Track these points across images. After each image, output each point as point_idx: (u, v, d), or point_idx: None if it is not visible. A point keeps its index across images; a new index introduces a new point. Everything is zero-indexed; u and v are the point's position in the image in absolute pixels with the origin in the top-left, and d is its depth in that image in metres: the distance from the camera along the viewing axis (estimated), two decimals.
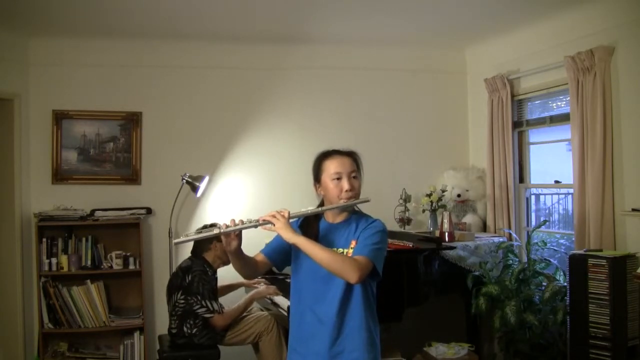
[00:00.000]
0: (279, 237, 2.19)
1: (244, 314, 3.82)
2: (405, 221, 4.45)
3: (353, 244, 2.16)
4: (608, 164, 3.50)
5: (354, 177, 2.21)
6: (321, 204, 2.29)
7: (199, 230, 2.20)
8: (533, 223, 4.40)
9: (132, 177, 4.45)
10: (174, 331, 3.67)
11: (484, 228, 4.62)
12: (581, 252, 3.39)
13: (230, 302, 3.89)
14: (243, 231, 2.12)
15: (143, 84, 4.49)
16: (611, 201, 3.49)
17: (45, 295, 4.05)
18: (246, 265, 2.24)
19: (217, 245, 3.67)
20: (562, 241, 4.28)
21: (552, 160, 4.52)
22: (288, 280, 3.91)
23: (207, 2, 3.58)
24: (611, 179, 3.51)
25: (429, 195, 4.45)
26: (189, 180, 4.27)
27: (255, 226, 2.11)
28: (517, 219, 4.37)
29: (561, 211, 4.66)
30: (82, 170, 4.38)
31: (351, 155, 2.26)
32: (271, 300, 3.81)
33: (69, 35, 4.26)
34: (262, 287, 3.88)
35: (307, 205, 4.07)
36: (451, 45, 4.83)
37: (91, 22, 3.99)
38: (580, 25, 3.76)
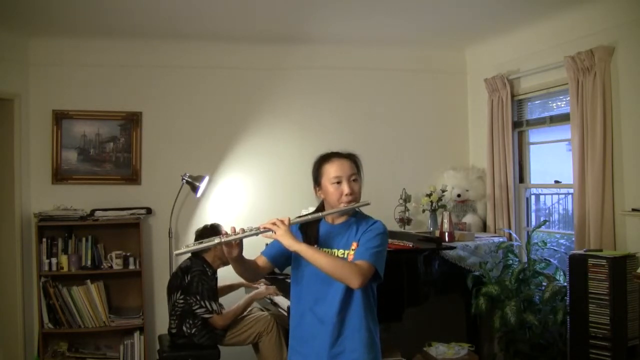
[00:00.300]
0: None
1: (244, 314, 3.82)
2: (405, 221, 4.45)
3: (354, 246, 2.16)
4: (608, 164, 3.50)
5: (353, 181, 2.20)
6: (321, 206, 2.29)
7: (199, 242, 2.15)
8: (533, 223, 4.40)
9: (132, 177, 4.45)
10: (173, 331, 3.67)
11: (484, 228, 4.62)
12: (581, 252, 3.39)
13: (230, 302, 3.89)
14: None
15: (143, 84, 4.49)
16: (611, 201, 3.49)
17: (45, 295, 4.05)
18: (247, 270, 2.24)
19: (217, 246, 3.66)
20: (562, 241, 4.28)
21: (552, 160, 4.52)
22: (288, 281, 3.91)
23: (207, 2, 3.58)
24: (611, 179, 3.51)
25: (429, 195, 4.45)
26: (189, 180, 4.27)
27: (256, 234, 2.11)
28: (517, 219, 4.37)
29: (561, 211, 4.65)
30: (82, 170, 4.38)
31: (351, 158, 2.25)
32: (271, 300, 3.81)
33: (69, 35, 4.26)
34: (262, 287, 3.88)
35: (307, 205, 4.10)
36: (451, 45, 4.83)
37: (91, 22, 3.99)
38: (580, 25, 3.76)
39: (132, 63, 4.46)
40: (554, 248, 4.05)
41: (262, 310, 3.95)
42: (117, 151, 4.44)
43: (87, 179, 4.39)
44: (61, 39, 4.30)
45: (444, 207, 4.39)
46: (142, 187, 4.47)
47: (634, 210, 3.33)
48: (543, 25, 4.06)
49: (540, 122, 4.26)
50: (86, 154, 4.39)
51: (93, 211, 4.24)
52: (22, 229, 4.22)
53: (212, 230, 3.69)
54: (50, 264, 4.11)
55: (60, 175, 4.35)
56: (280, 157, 4.66)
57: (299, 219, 2.20)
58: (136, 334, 4.20)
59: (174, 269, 3.99)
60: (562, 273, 3.77)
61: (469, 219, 4.58)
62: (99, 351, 4.28)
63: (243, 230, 2.09)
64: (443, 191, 4.49)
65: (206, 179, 4.35)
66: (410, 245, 3.73)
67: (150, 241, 4.45)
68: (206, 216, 4.49)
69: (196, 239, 3.44)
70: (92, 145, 4.41)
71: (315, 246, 2.18)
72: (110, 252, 4.25)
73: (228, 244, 2.08)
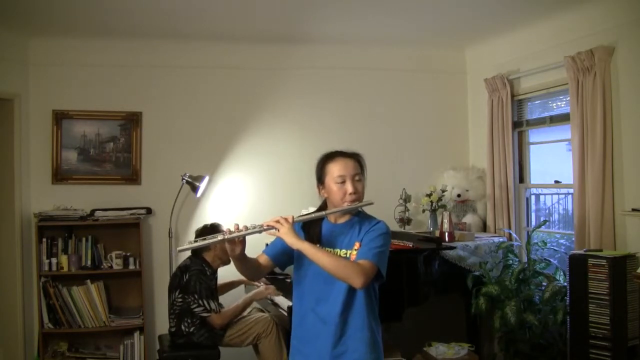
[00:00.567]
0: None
1: (244, 315, 3.82)
2: (405, 221, 4.45)
3: (357, 245, 2.16)
4: (608, 164, 3.50)
5: (357, 180, 2.20)
6: (323, 205, 2.29)
7: (202, 238, 2.15)
8: (533, 223, 4.40)
9: (132, 177, 4.45)
10: (172, 330, 3.68)
11: (484, 228, 4.62)
12: (581, 252, 3.39)
13: (230, 301, 3.88)
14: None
15: (143, 84, 4.49)
16: (611, 201, 3.49)
17: (45, 295, 4.05)
18: (249, 268, 2.24)
19: (216, 245, 3.66)
20: (562, 241, 4.28)
21: (552, 160, 4.52)
22: (288, 280, 3.91)
23: (207, 2, 3.58)
24: (611, 179, 3.50)
25: (429, 195, 4.45)
26: (189, 180, 4.27)
27: (260, 232, 2.10)
28: (517, 219, 4.37)
29: (561, 211, 4.65)
30: (82, 170, 4.38)
31: (355, 158, 2.24)
32: (271, 300, 3.81)
33: (69, 35, 4.26)
34: (261, 287, 3.88)
35: (307, 205, 4.10)
36: (451, 45, 4.83)
37: (91, 22, 3.99)
38: (580, 25, 3.76)
39: (132, 63, 4.46)
40: (554, 248, 4.05)
41: (262, 311, 3.95)
42: (117, 151, 4.44)
43: (87, 179, 4.39)
44: (61, 39, 4.30)
45: (444, 207, 4.39)
46: (142, 187, 4.47)
47: (634, 210, 3.33)
48: (543, 25, 4.06)
49: (540, 122, 4.26)
50: (86, 154, 4.39)
51: (93, 211, 4.24)
52: (22, 229, 4.22)
53: (212, 229, 3.69)
54: (50, 264, 4.11)
55: (60, 175, 4.35)
56: (280, 157, 4.66)
57: (302, 217, 2.20)
58: (136, 334, 4.20)
59: (174, 269, 4.00)
60: (562, 273, 3.77)
61: (469, 219, 4.58)
62: (99, 351, 4.28)
63: (246, 228, 2.09)
64: (443, 191, 4.49)
65: (206, 179, 4.35)
66: (410, 245, 3.73)
67: (150, 241, 4.45)
68: (206, 216, 4.49)
69: (196, 239, 3.43)
70: (92, 145, 4.41)
71: (318, 245, 2.17)
72: (110, 252, 4.25)
73: (231, 241, 2.08)
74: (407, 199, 4.45)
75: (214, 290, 3.72)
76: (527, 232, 4.30)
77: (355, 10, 3.83)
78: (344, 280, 2.08)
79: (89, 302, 4.13)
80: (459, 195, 4.63)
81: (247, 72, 4.64)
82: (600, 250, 3.37)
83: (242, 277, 3.95)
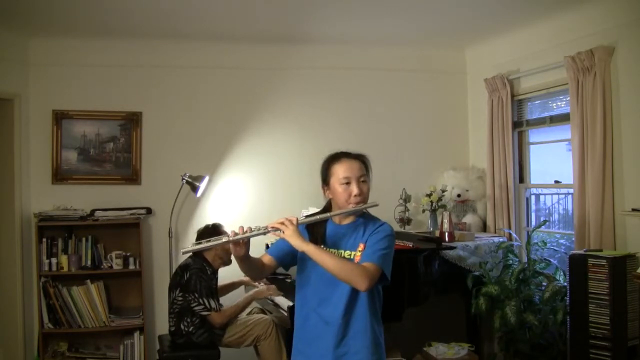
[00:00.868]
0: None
1: (244, 315, 3.82)
2: (405, 221, 4.45)
3: (361, 247, 2.16)
4: (608, 164, 3.50)
5: (362, 182, 2.19)
6: (328, 206, 2.29)
7: (207, 240, 2.14)
8: (533, 223, 4.40)
9: (132, 177, 4.45)
10: (172, 329, 3.68)
11: (484, 228, 4.62)
12: (581, 252, 3.39)
13: (231, 301, 3.88)
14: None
15: (143, 84, 4.49)
16: (611, 201, 3.49)
17: (45, 295, 4.05)
18: (253, 268, 2.23)
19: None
20: (562, 241, 4.28)
21: (552, 160, 4.52)
22: (288, 280, 3.92)
23: (207, 2, 3.58)
24: (611, 179, 3.51)
25: (429, 195, 4.45)
26: (189, 180, 4.27)
27: (264, 233, 2.10)
28: (517, 219, 4.37)
29: (561, 211, 4.65)
30: (82, 170, 4.38)
31: (360, 159, 2.24)
32: (272, 300, 3.80)
33: (69, 35, 4.26)
34: (261, 286, 3.88)
35: (307, 205, 4.10)
36: (451, 45, 4.83)
37: (91, 22, 3.99)
38: (580, 25, 3.76)
39: (132, 63, 4.46)
40: (554, 248, 4.05)
41: (263, 312, 3.95)
42: (117, 151, 4.44)
43: (87, 179, 4.39)
44: (61, 39, 4.30)
45: (444, 207, 4.39)
46: (142, 187, 4.47)
47: (634, 210, 3.33)
48: (543, 25, 4.06)
49: (540, 122, 4.26)
50: (86, 154, 4.39)
51: (93, 211, 4.24)
52: (22, 229, 4.21)
53: (213, 230, 3.69)
54: (50, 264, 4.10)
55: (60, 175, 4.34)
56: (280, 157, 4.66)
57: (307, 219, 2.19)
58: (136, 334, 4.20)
59: (174, 269, 4.00)
60: (562, 273, 3.77)
61: (469, 219, 4.59)
62: (99, 351, 4.28)
63: (251, 229, 2.08)
64: (443, 191, 4.49)
65: (206, 179, 4.35)
66: (410, 245, 3.73)
67: (150, 241, 4.45)
68: (206, 216, 4.49)
69: (197, 239, 3.43)
70: (92, 145, 4.40)
71: (322, 246, 2.17)
72: (110, 252, 4.25)
73: (235, 242, 2.08)
74: (407, 199, 4.45)
75: (214, 289, 3.72)
76: (527, 232, 4.30)
77: (355, 10, 3.83)
78: (348, 283, 2.08)
79: (89, 302, 4.13)
80: (459, 195, 4.63)
81: (247, 72, 4.64)
82: (600, 250, 3.37)
83: (242, 278, 4.01)
